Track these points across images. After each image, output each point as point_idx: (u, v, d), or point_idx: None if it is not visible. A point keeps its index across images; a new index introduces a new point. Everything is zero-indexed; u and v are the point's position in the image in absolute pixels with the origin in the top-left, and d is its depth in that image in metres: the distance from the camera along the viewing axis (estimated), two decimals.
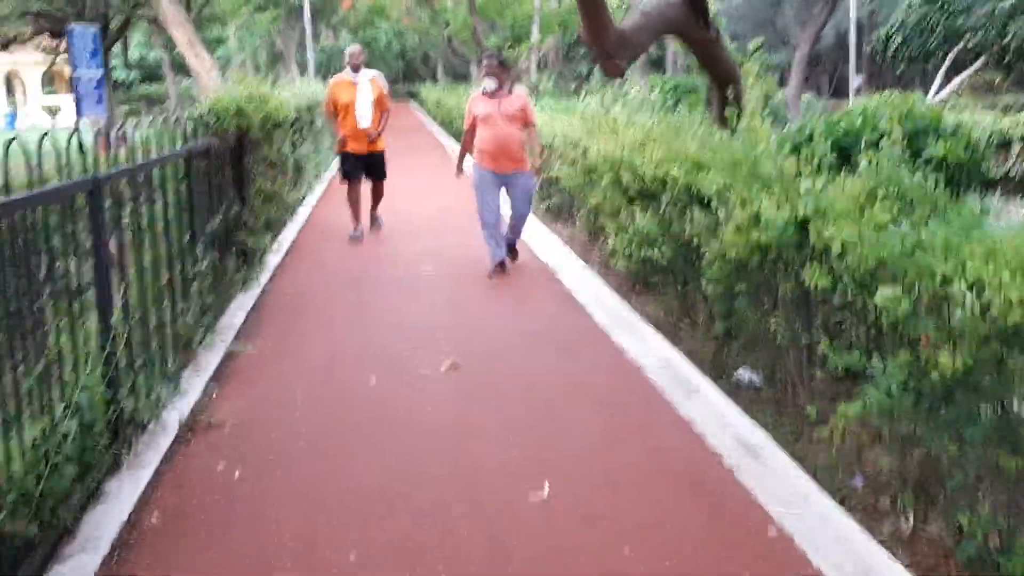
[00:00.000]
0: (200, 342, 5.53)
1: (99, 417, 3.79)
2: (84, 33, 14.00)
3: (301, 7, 34.33)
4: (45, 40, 24.54)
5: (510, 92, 8.13)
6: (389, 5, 40.79)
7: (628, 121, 8.97)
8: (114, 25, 22.76)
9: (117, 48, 27.25)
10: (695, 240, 6.03)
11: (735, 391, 5.43)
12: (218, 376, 5.25)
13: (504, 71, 8.07)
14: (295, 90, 14.09)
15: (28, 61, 45.60)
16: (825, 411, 4.77)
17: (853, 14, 27.76)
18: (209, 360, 5.39)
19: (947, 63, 26.82)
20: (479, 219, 8.20)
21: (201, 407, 4.79)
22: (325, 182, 15.08)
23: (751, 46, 11.05)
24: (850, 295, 4.17)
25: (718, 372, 5.74)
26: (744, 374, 5.69)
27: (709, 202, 5.83)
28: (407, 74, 67.97)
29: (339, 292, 7.50)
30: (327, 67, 50.20)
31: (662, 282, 7.24)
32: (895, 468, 4.14)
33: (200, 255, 5.75)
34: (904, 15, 29.76)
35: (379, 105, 9.90)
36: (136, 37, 44.69)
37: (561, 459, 4.15)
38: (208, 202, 6.19)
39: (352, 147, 9.86)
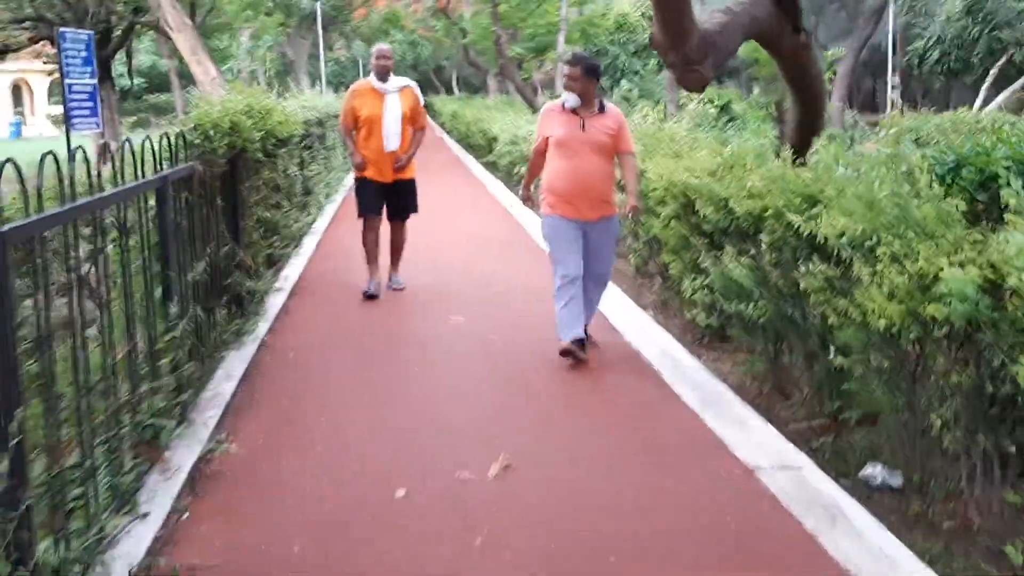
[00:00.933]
0: (174, 431, 4.21)
1: None
2: (75, 38, 12.74)
3: (313, 16, 33.25)
4: (46, 47, 23.36)
5: (601, 109, 5.91)
6: (404, 15, 39.64)
7: (694, 141, 7.67)
8: (117, 33, 21.58)
9: (122, 57, 26.06)
10: (812, 297, 4.70)
11: (864, 492, 4.14)
12: (192, 484, 3.91)
13: (592, 81, 5.85)
14: (304, 102, 12.82)
15: (35, 69, 44.58)
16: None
17: (891, 27, 26.45)
18: (182, 459, 4.05)
19: (991, 77, 25.46)
20: (554, 274, 5.93)
21: (165, 538, 3.46)
22: (337, 202, 13.79)
23: (828, 55, 9.80)
24: None
25: (839, 466, 4.43)
26: (876, 473, 4.37)
27: (834, 250, 4.52)
28: (420, 85, 66.83)
29: (351, 350, 6.13)
30: (340, 79, 49.15)
31: (747, 340, 5.92)
32: None
33: (176, 315, 4.43)
34: (942, 29, 28.44)
35: (411, 122, 7.66)
36: (144, 45, 43.71)
37: None
38: (190, 244, 4.89)
39: (373, 173, 7.59)
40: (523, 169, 14.85)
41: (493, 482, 4.01)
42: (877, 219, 4.14)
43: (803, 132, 7.58)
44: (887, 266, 3.88)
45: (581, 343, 5.79)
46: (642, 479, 4.10)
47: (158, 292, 4.28)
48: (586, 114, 5.86)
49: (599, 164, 5.85)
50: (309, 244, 10.01)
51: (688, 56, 5.46)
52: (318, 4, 32.12)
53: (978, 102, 25.31)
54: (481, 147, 20.52)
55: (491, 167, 18.44)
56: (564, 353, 5.72)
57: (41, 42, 22.03)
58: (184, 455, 4.09)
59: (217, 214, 5.60)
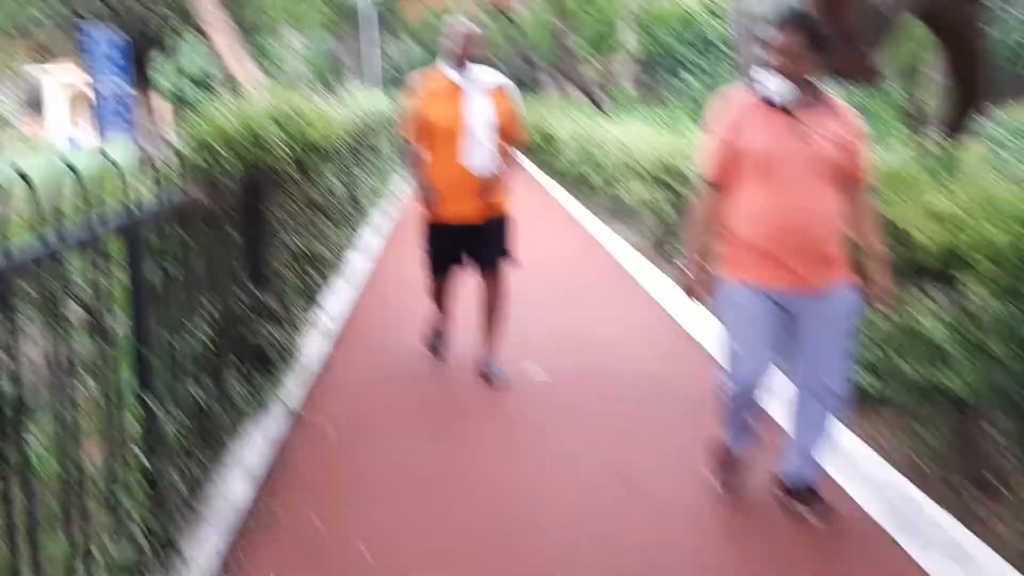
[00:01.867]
0: None
1: None
2: (102, 37, 11.65)
3: (365, 16, 32.22)
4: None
5: (823, 103, 3.48)
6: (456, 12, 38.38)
7: None
8: (158, 37, 20.63)
9: (173, 63, 25.16)
10: None
11: None
12: None
13: (817, 60, 3.40)
14: (354, 103, 11.56)
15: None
16: None
17: None
18: None
19: None
20: (725, 370, 3.70)
21: None
22: (394, 218, 12.33)
23: None
24: None
25: None
26: None
27: None
28: None
29: (413, 430, 4.67)
30: (394, 80, 47.97)
31: (918, 407, 4.47)
32: None
33: (157, 413, 3.12)
34: None
35: (505, 133, 5.22)
36: (196, 50, 43.01)
37: None
38: (186, 300, 3.59)
39: (449, 212, 5.22)
40: (594, 176, 13.08)
41: None
42: None
43: (955, 131, 6.19)
44: None
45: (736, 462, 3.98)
46: None
47: (132, 383, 2.99)
48: (803, 112, 3.44)
49: (823, 195, 3.43)
50: (361, 270, 8.69)
51: (847, 30, 4.02)
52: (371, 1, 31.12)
53: None
54: (542, 150, 19.08)
55: (553, 171, 17.08)
56: (722, 484, 3.98)
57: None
58: None
59: (231, 251, 4.31)
